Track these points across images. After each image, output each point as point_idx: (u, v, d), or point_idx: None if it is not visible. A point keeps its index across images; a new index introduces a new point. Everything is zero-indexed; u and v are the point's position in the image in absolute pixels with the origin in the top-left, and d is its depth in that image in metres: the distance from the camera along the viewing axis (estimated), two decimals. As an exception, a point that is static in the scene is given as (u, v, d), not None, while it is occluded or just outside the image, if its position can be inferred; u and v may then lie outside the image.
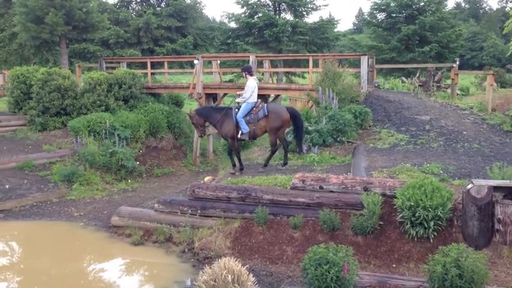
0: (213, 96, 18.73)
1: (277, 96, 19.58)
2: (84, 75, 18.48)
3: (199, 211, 9.57)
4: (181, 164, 17.64)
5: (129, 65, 21.62)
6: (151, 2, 31.89)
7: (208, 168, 17.67)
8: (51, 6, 19.56)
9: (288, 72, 29.79)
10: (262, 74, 19.29)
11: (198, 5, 31.57)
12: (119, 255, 9.71)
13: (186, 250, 9.11)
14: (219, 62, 19.31)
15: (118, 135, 15.58)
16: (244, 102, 10.95)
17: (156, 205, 10.19)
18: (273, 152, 11.38)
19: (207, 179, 12.36)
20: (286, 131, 11.61)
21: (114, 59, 22.72)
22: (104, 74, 17.83)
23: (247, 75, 11.24)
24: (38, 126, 16.53)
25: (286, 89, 17.93)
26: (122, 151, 15.04)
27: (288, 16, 31.62)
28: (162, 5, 31.53)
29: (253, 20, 28.94)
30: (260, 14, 29.16)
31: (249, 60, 17.56)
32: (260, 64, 18.04)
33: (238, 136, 11.08)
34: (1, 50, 29.22)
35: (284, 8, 31.25)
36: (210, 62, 20.49)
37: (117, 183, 14.64)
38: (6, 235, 11.20)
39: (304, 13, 31.45)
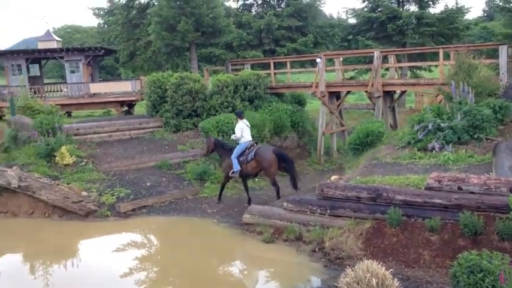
0: (336, 95, 18.53)
1: (403, 92, 18.80)
2: (212, 78, 19.39)
3: (328, 211, 9.53)
4: (306, 163, 17.71)
5: (252, 66, 22.28)
6: (272, 3, 32.53)
7: (332, 167, 17.52)
8: (183, 15, 20.85)
9: (412, 67, 28.49)
10: (387, 70, 18.67)
11: (317, 2, 31.50)
12: (251, 252, 10.03)
13: (317, 249, 9.13)
14: (341, 59, 19.06)
15: (245, 135, 16.06)
16: (238, 141, 12.52)
17: (286, 204, 10.35)
18: (277, 189, 12.48)
19: (333, 178, 12.25)
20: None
21: (239, 61, 23.51)
22: (230, 76, 18.56)
23: (238, 119, 12.88)
24: (173, 127, 17.74)
25: (413, 84, 17.16)
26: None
27: (412, 7, 30.26)
28: (282, 5, 32.01)
29: (375, 14, 28.13)
30: (382, 8, 28.22)
31: (373, 56, 17.04)
32: (385, 59, 17.43)
33: (230, 174, 12.67)
34: (138, 58, 31.85)
35: (408, -1, 29.96)
36: (330, 60, 20.35)
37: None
38: (147, 229, 12.19)
39: (430, 3, 29.83)
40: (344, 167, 16.89)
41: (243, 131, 12.51)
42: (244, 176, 12.88)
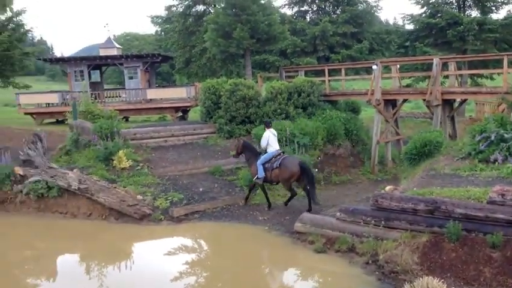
0: (391, 103, 18.08)
1: (463, 101, 18.07)
2: (266, 84, 19.44)
3: (383, 222, 9.27)
4: (359, 172, 17.35)
5: (305, 73, 22.15)
6: (327, 10, 32.29)
7: (387, 176, 17.08)
8: (239, 22, 21.10)
9: (473, 74, 27.41)
10: (446, 77, 18.02)
11: (374, 8, 31.01)
12: (302, 262, 9.90)
13: (370, 262, 8.90)
14: (398, 66, 18.57)
15: (297, 142, 15.97)
16: (264, 149, 12.98)
17: (338, 213, 10.16)
18: (291, 196, 13.06)
19: (388, 188, 11.93)
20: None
21: (293, 68, 23.46)
22: (284, 83, 18.52)
23: (265, 128, 13.26)
24: (226, 133, 17.88)
25: (475, 93, 16.47)
26: (302, 158, 15.36)
27: (474, 13, 29.15)
28: (338, 12, 31.71)
29: (434, 20, 27.31)
30: (442, 13, 27.33)
31: (432, 63, 16.51)
32: (444, 66, 16.83)
33: (254, 179, 13.14)
34: (193, 64, 32.51)
35: (470, 5, 28.87)
36: (385, 67, 19.89)
37: (296, 190, 14.94)
38: (199, 234, 12.31)
39: (493, 8, 28.64)
40: (399, 177, 16.44)
41: (269, 139, 12.91)
42: (267, 183, 13.25)
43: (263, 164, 12.85)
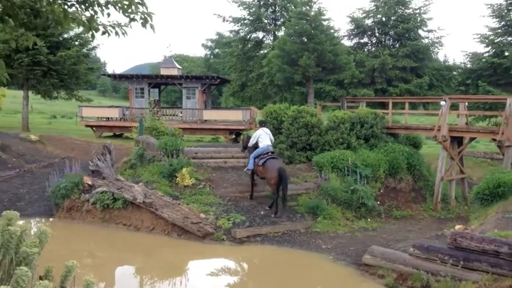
0: (457, 140, 17.62)
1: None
2: (329, 113, 19.39)
3: (461, 262, 8.93)
4: (420, 208, 16.85)
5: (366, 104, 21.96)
6: (387, 43, 32.11)
7: (450, 215, 16.51)
8: (305, 50, 21.29)
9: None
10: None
11: (436, 44, 30.63)
12: (373, 296, 9.63)
13: (448, 302, 8.55)
14: (466, 104, 18.14)
15: (359, 173, 15.76)
16: (254, 145, 14.45)
17: (412, 249, 9.88)
18: (274, 200, 13.86)
19: (458, 227, 11.61)
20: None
21: (355, 99, 23.39)
22: (347, 113, 18.41)
23: (259, 126, 15.03)
24: (286, 159, 17.78)
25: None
26: (363, 189, 15.16)
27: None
28: (397, 45, 31.46)
29: (498, 60, 26.68)
30: (508, 53, 26.70)
31: (499, 103, 16.04)
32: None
33: (244, 170, 15.00)
34: (249, 89, 32.92)
35: (538, 46, 28.10)
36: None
37: (357, 221, 14.71)
38: (262, 257, 12.22)
39: (562, 50, 27.70)
40: (463, 216, 15.96)
41: (260, 136, 14.34)
42: (254, 175, 14.59)
43: (255, 158, 14.19)
